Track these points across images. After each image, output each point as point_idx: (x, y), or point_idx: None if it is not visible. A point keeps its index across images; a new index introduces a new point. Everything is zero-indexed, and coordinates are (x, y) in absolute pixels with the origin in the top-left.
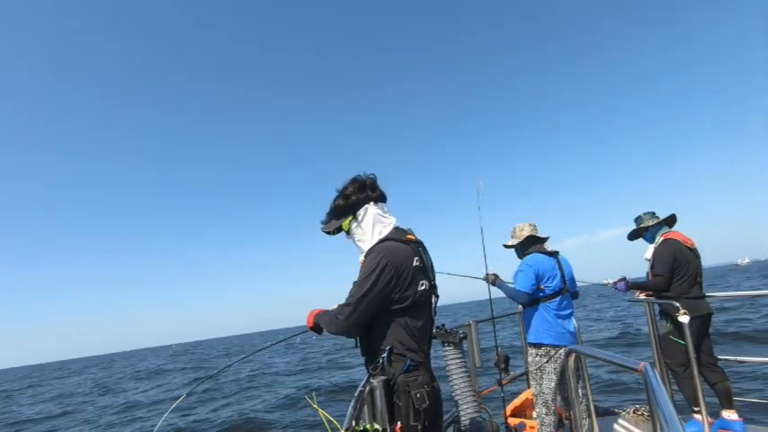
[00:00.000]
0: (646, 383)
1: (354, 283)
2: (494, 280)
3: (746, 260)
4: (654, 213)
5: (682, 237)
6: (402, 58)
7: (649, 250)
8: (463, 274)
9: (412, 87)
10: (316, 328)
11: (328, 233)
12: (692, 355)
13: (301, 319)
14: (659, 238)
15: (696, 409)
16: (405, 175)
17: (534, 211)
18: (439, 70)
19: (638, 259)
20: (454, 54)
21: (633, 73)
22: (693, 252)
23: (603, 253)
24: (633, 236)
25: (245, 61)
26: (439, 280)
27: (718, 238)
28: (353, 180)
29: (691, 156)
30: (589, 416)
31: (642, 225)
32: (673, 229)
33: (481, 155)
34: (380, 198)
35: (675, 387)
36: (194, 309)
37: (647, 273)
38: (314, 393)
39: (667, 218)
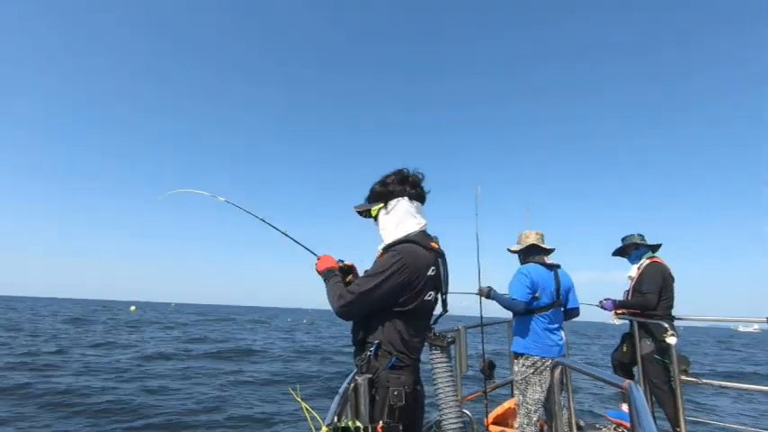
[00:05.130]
0: (629, 401)
1: (365, 273)
2: (487, 292)
3: (755, 327)
4: (643, 236)
5: (664, 263)
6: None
7: (633, 269)
8: (458, 291)
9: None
10: (321, 275)
11: (358, 213)
12: (678, 376)
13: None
14: (645, 261)
15: (678, 429)
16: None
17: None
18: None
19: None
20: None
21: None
22: (672, 278)
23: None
24: (620, 252)
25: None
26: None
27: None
28: (397, 171)
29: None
30: (571, 429)
31: (633, 241)
32: (656, 255)
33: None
34: (417, 196)
35: (658, 407)
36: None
37: (626, 291)
38: (298, 386)
39: (655, 245)
